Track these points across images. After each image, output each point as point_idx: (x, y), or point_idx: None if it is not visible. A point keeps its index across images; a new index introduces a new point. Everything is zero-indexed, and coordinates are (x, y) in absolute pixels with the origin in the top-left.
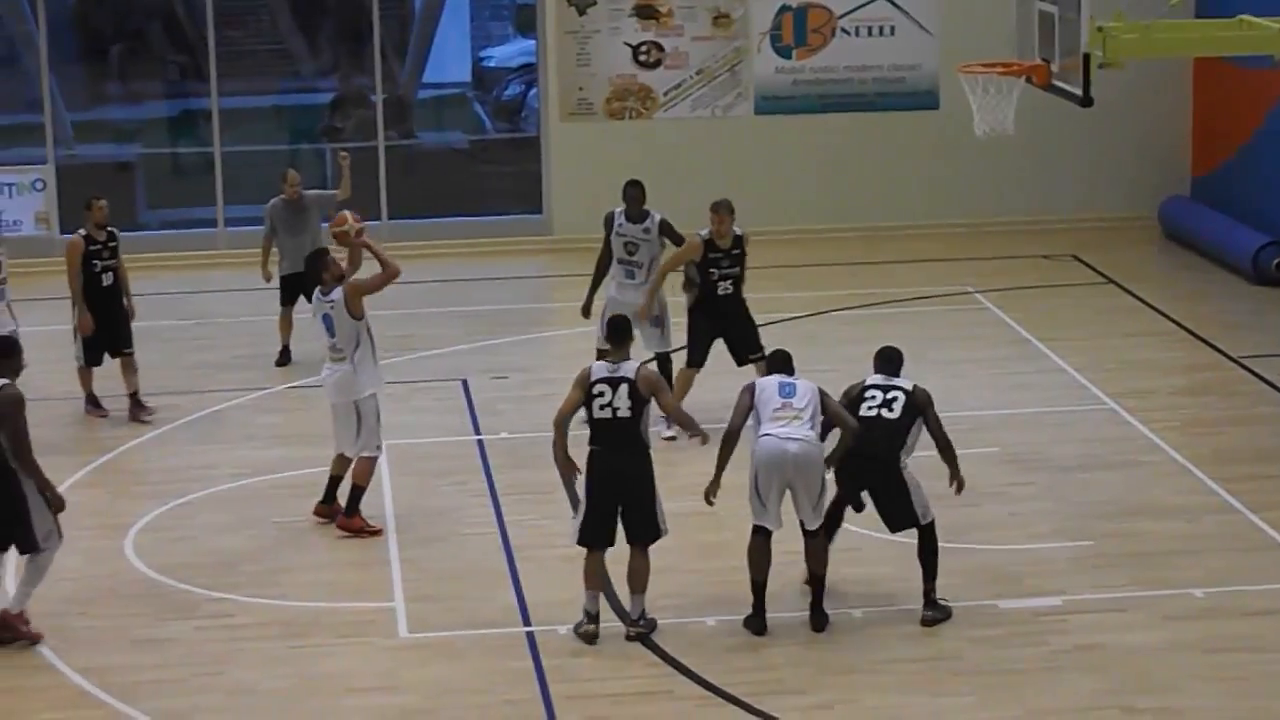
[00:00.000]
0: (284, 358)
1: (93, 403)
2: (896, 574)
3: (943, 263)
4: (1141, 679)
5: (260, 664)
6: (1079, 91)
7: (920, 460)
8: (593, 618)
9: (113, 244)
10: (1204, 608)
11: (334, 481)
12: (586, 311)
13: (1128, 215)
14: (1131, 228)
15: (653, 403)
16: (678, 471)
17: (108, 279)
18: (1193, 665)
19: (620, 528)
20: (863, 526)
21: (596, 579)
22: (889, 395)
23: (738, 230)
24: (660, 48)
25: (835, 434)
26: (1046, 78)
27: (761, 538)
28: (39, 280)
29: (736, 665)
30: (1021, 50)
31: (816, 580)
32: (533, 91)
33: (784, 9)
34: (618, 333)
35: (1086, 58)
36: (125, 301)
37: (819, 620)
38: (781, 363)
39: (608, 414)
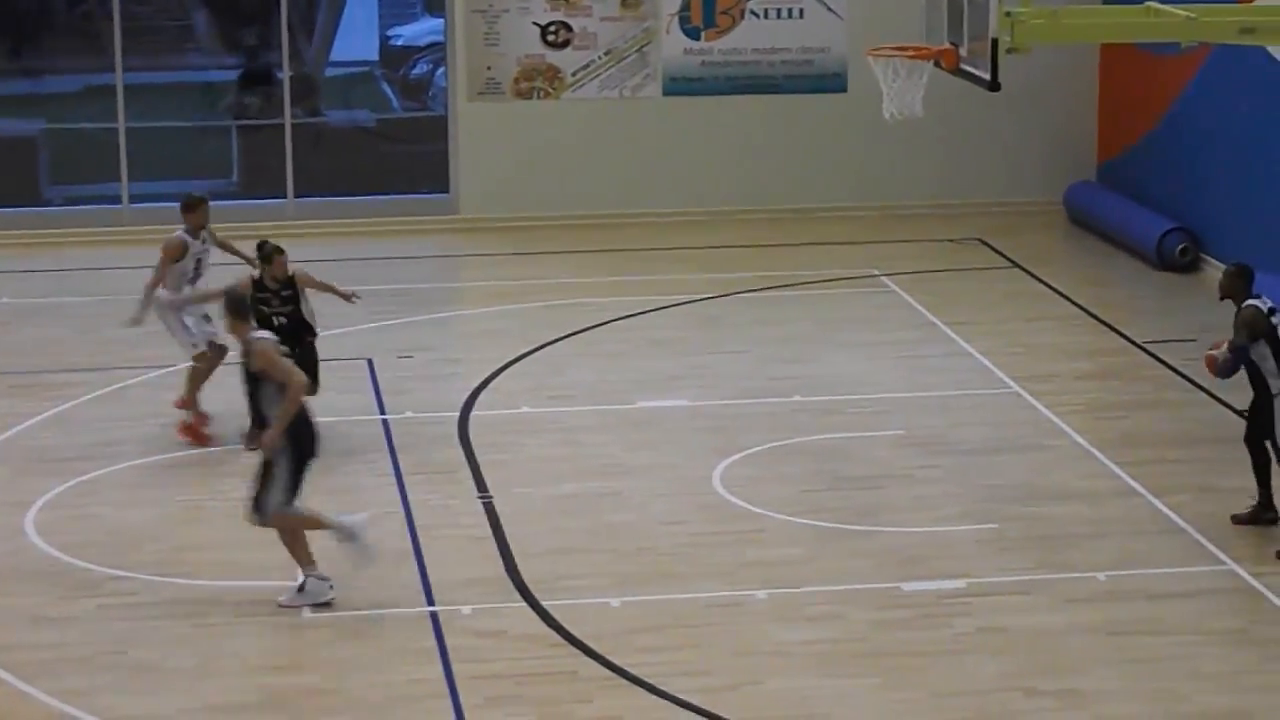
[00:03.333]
0: None
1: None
2: (801, 555)
3: (850, 246)
4: (1045, 661)
5: (163, 643)
6: (987, 76)
7: None
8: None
9: (285, 293)
10: (1107, 590)
11: None
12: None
13: (1034, 200)
14: (1038, 212)
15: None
16: (585, 453)
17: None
18: (1095, 648)
19: None
20: (768, 509)
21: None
22: None
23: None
24: (569, 28)
25: None
26: (955, 62)
27: None
28: None
29: (641, 646)
30: (930, 34)
31: None
32: (440, 70)
33: None
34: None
35: (994, 42)
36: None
37: None
38: None
39: None
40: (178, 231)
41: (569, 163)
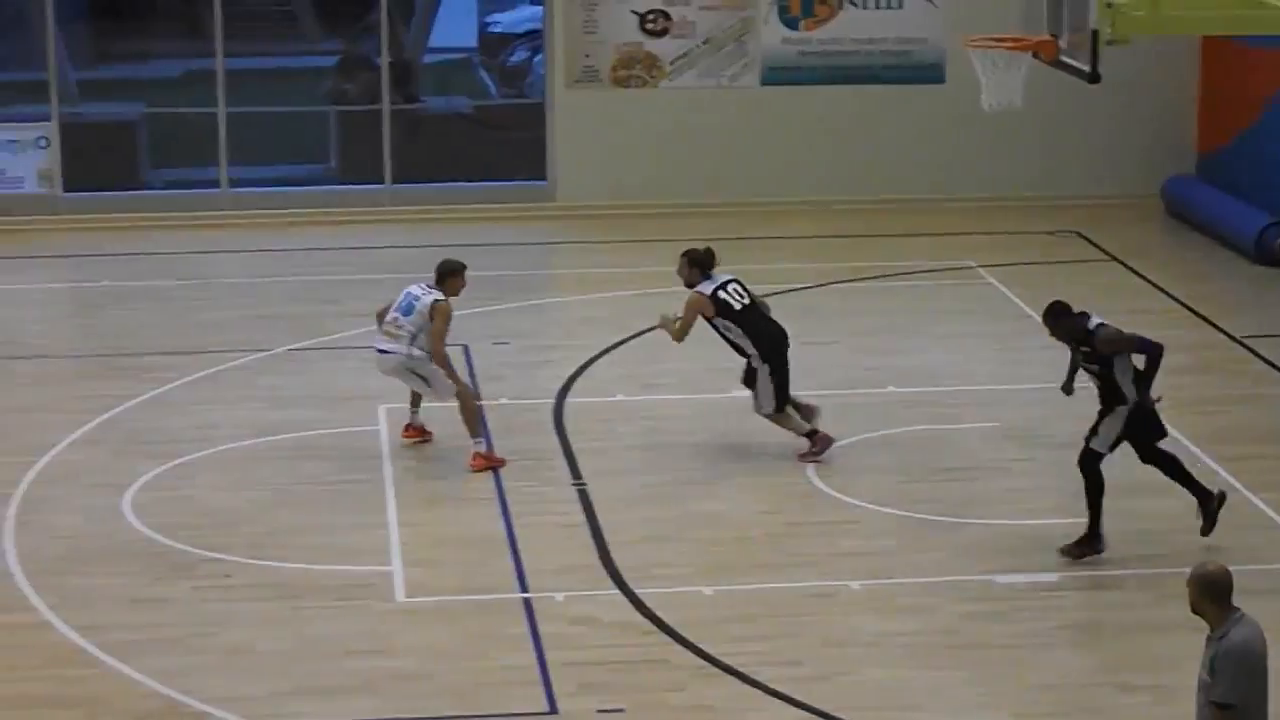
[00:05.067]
0: None
1: None
2: (894, 546)
3: (946, 237)
4: (1138, 656)
5: (257, 625)
6: (1087, 68)
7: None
8: None
9: None
10: None
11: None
12: None
13: (1132, 193)
14: (1136, 205)
15: None
16: (678, 442)
17: None
18: (1189, 644)
19: None
20: (861, 499)
21: None
22: None
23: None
24: (667, 16)
25: None
26: (1054, 53)
27: None
28: (40, 238)
29: (733, 635)
30: (1029, 25)
31: None
32: (539, 58)
33: None
34: None
35: (1095, 34)
36: None
37: None
38: None
39: None
40: (448, 299)
41: (666, 151)
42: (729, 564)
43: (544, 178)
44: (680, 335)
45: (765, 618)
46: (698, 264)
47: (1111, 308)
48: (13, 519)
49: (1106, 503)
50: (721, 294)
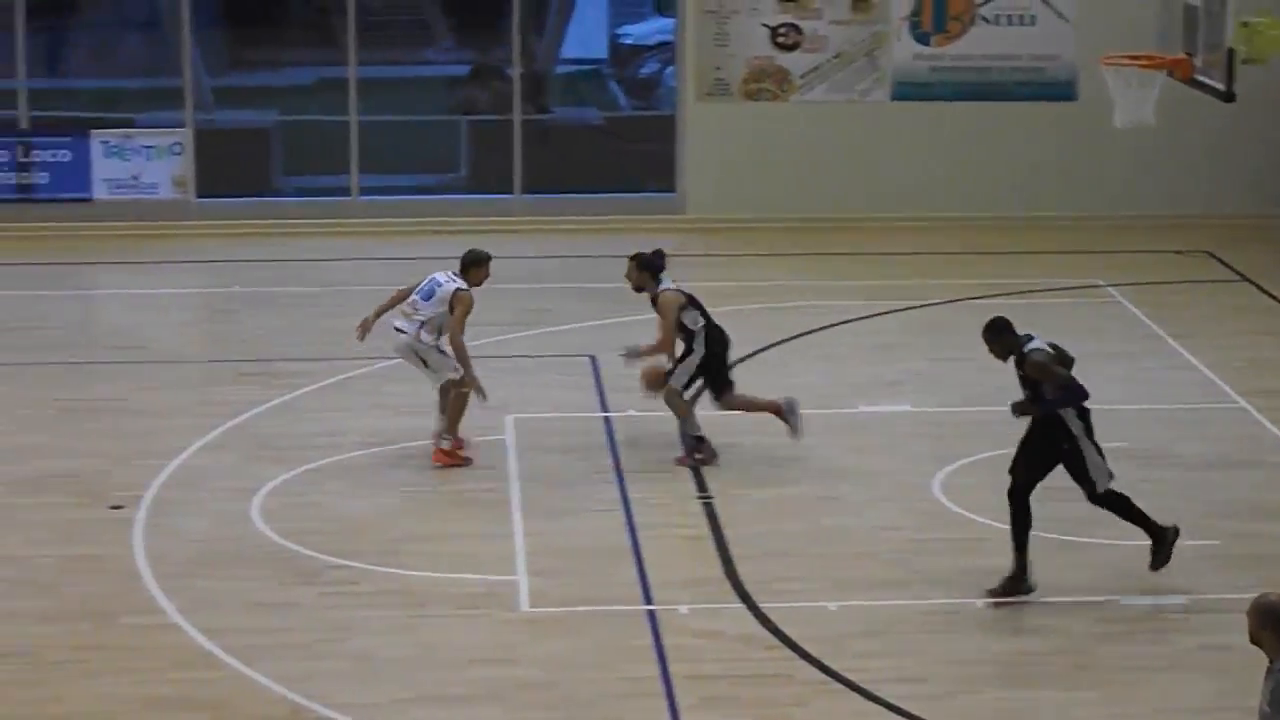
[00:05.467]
0: None
1: None
2: None
3: (1075, 255)
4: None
5: (381, 632)
6: (1222, 86)
7: None
8: None
9: None
10: None
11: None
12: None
13: (1265, 212)
14: (1268, 226)
15: None
16: (805, 456)
17: None
18: None
19: None
20: (987, 517)
21: None
22: None
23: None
24: (799, 30)
25: None
26: (1190, 72)
27: None
28: (174, 243)
29: (857, 651)
30: (1164, 43)
31: None
32: (669, 70)
33: None
34: None
35: (1230, 53)
36: None
37: None
38: None
39: None
40: (470, 289)
41: (796, 165)
42: (854, 580)
43: (673, 190)
44: (670, 341)
45: (889, 634)
46: (648, 267)
47: (1242, 328)
48: (143, 522)
49: (1235, 525)
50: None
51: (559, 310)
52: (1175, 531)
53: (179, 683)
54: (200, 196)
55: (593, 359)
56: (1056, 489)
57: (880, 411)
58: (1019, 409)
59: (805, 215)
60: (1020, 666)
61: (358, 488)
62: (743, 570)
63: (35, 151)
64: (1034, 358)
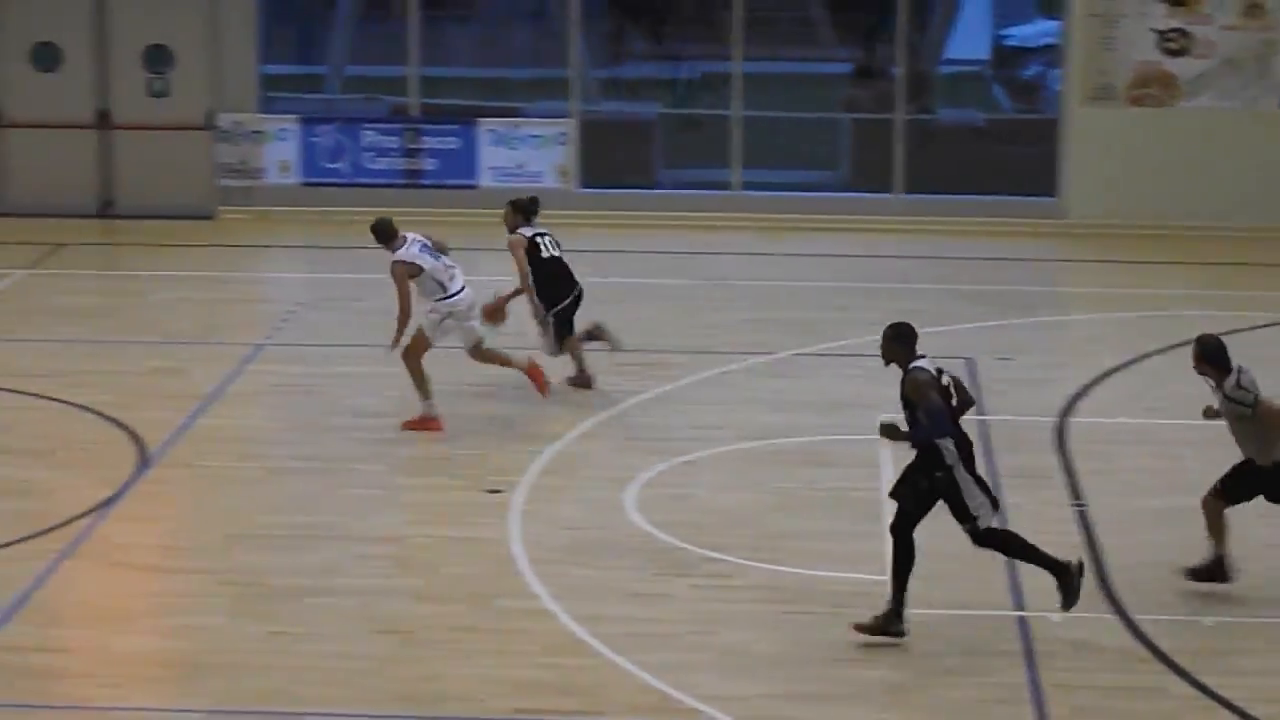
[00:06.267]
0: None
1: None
2: None
3: None
4: None
5: (753, 627)
6: None
7: None
8: None
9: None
10: None
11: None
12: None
13: None
14: None
15: None
16: (1180, 468)
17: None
18: None
19: None
20: None
21: None
22: None
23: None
24: (1187, 35)
25: None
26: None
27: None
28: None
29: (1231, 668)
30: None
31: None
32: (1053, 73)
33: None
34: None
35: None
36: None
37: None
38: None
39: None
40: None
41: (1180, 172)
42: (1232, 594)
43: (1054, 194)
44: (524, 278)
45: (1266, 652)
46: (521, 210)
47: None
48: (519, 507)
49: None
50: (538, 239)
51: (935, 311)
52: (1081, 565)
53: (550, 668)
54: (583, 187)
55: (968, 361)
56: None
57: None
58: (886, 432)
59: (1188, 224)
60: None
61: (732, 482)
62: (1116, 580)
63: (424, 138)
64: (910, 376)
